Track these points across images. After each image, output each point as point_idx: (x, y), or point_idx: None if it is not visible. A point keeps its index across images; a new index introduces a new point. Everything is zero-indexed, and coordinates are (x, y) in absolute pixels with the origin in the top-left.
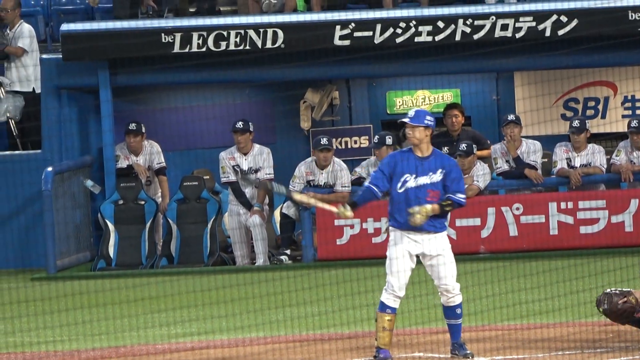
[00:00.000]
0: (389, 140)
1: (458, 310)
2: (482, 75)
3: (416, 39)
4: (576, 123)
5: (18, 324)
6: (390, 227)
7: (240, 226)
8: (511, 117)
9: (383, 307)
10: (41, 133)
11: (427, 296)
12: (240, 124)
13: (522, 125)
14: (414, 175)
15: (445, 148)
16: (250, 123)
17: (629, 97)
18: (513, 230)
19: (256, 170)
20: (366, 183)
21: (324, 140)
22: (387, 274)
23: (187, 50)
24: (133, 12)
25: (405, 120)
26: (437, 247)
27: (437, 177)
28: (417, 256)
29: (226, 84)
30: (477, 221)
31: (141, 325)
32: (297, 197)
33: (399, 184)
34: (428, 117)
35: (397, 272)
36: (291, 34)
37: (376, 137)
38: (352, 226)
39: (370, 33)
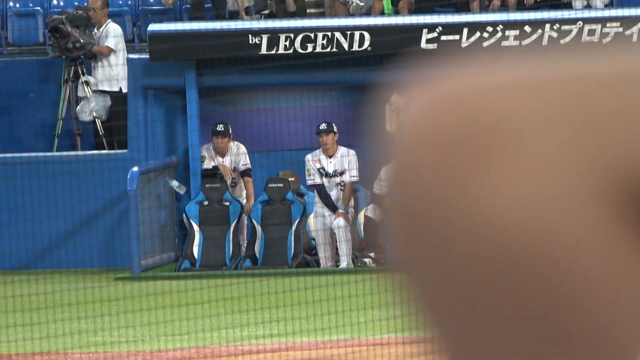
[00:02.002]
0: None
1: None
2: None
3: (503, 43)
4: None
5: (101, 323)
6: None
7: (325, 228)
8: None
9: None
10: (127, 133)
11: None
12: (324, 125)
13: None
14: None
15: None
16: (333, 124)
17: None
18: None
19: (341, 173)
20: None
21: (322, 125)
22: None
23: (274, 51)
24: (219, 13)
25: None
26: None
27: None
28: None
29: (312, 86)
30: None
31: (224, 325)
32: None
33: None
34: None
35: None
36: (378, 37)
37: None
38: None
39: (457, 37)
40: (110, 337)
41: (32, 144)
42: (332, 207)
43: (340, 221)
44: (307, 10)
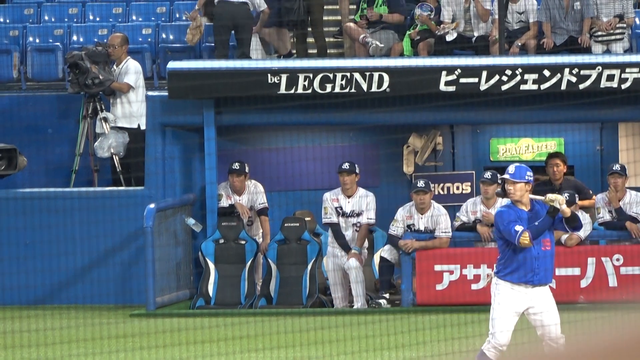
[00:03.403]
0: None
1: None
2: (586, 125)
3: (522, 87)
4: None
5: (116, 359)
6: (501, 281)
7: (338, 268)
8: (616, 167)
9: (483, 356)
10: (145, 170)
11: (523, 345)
12: (346, 165)
13: (627, 176)
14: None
15: None
16: (356, 165)
17: None
18: (612, 281)
19: (358, 214)
20: (517, 228)
21: (420, 183)
22: (491, 326)
23: (292, 91)
24: (244, 51)
25: (506, 176)
26: (545, 301)
27: None
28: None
29: (330, 126)
30: (576, 271)
31: None
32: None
33: None
34: (528, 173)
35: (502, 331)
36: (397, 78)
37: (488, 173)
38: (451, 272)
39: (476, 80)
40: None
41: (49, 179)
42: (346, 248)
43: (352, 262)
44: (327, 51)
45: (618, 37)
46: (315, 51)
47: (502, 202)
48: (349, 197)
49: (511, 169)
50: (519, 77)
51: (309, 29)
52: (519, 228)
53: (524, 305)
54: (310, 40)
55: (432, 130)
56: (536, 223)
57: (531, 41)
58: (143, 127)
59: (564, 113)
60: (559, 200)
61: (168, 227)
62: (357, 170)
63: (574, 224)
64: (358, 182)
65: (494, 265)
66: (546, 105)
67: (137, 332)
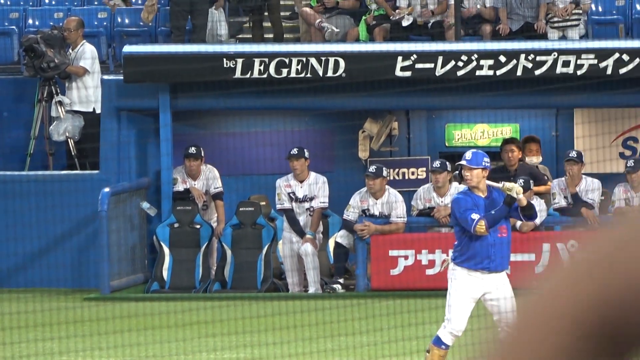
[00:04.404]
0: (449, 166)
1: None
2: (542, 111)
3: (477, 73)
4: (631, 163)
5: (71, 344)
6: (458, 267)
7: (292, 254)
8: (572, 154)
9: (439, 342)
10: (99, 154)
11: (479, 331)
12: (295, 150)
13: (583, 163)
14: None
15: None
16: (305, 150)
17: None
18: None
19: (311, 199)
20: (473, 216)
21: (371, 168)
22: (448, 312)
23: (248, 76)
24: (198, 36)
25: (463, 162)
26: (501, 287)
27: None
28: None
29: (286, 111)
30: (531, 257)
31: (192, 349)
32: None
33: None
34: (485, 159)
35: (458, 317)
36: (353, 64)
37: (437, 162)
38: (406, 257)
39: (432, 65)
40: (79, 359)
41: (4, 163)
42: (300, 233)
43: (307, 247)
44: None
45: (574, 23)
46: (271, 36)
47: (456, 188)
48: (301, 182)
49: (468, 155)
50: (474, 63)
51: (266, 14)
52: (475, 216)
53: (481, 291)
54: (267, 25)
55: (387, 115)
56: (492, 212)
57: (487, 27)
58: (98, 111)
59: (520, 99)
60: (516, 189)
61: (123, 211)
62: (307, 155)
63: (529, 213)
64: (313, 167)
65: (450, 251)
66: (502, 91)
67: (94, 317)
